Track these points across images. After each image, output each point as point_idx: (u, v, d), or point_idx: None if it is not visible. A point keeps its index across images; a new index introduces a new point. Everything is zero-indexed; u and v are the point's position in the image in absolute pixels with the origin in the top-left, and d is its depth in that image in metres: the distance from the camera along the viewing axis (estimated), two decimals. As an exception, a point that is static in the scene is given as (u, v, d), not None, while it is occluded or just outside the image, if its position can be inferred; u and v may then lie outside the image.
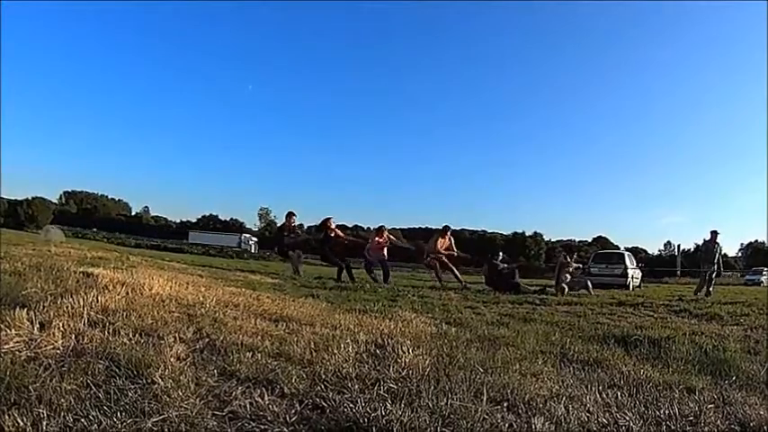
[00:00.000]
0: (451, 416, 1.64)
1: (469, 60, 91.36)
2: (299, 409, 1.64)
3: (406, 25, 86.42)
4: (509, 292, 8.11)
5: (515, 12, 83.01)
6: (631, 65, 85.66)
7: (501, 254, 9.87)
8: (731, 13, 71.85)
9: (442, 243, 9.67)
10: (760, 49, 56.49)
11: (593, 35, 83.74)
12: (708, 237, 10.87)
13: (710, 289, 10.01)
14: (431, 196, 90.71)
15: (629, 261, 16.00)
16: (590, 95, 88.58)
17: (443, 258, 9.56)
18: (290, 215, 10.13)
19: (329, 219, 9.93)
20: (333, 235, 9.68)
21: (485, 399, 1.81)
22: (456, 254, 9.98)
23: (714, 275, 10.33)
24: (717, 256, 10.43)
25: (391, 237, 10.30)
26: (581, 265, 10.24)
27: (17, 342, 1.96)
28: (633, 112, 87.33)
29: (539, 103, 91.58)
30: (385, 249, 9.76)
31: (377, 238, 9.80)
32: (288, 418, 1.56)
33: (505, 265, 9.29)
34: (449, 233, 9.96)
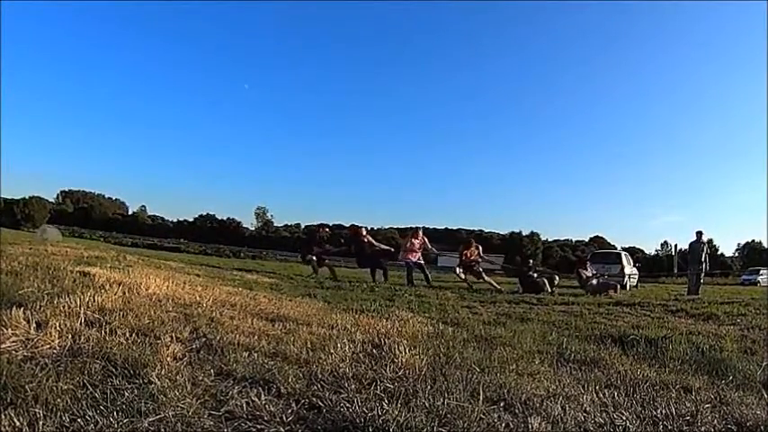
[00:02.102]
0: (448, 415, 1.64)
1: (468, 60, 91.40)
2: (295, 408, 1.64)
3: (406, 25, 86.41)
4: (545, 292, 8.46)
5: (515, 11, 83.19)
6: (629, 64, 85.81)
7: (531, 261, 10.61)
8: (731, 13, 71.90)
9: (468, 254, 9.81)
10: (760, 49, 56.59)
11: (591, 35, 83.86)
12: (694, 238, 11.19)
13: (699, 288, 10.19)
14: (429, 196, 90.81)
15: (626, 261, 16.10)
16: (588, 95, 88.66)
17: (477, 267, 9.73)
18: (321, 227, 11.67)
19: (359, 228, 10.36)
20: (366, 241, 10.08)
21: (481, 398, 1.81)
22: (482, 259, 10.12)
23: (702, 275, 10.61)
24: (703, 255, 10.83)
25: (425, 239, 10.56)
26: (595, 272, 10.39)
27: (14, 342, 1.95)
28: (631, 112, 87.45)
29: (536, 103, 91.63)
30: (419, 253, 9.99)
31: (413, 240, 10.06)
32: (284, 418, 1.56)
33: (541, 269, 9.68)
34: (473, 243, 10.14)
